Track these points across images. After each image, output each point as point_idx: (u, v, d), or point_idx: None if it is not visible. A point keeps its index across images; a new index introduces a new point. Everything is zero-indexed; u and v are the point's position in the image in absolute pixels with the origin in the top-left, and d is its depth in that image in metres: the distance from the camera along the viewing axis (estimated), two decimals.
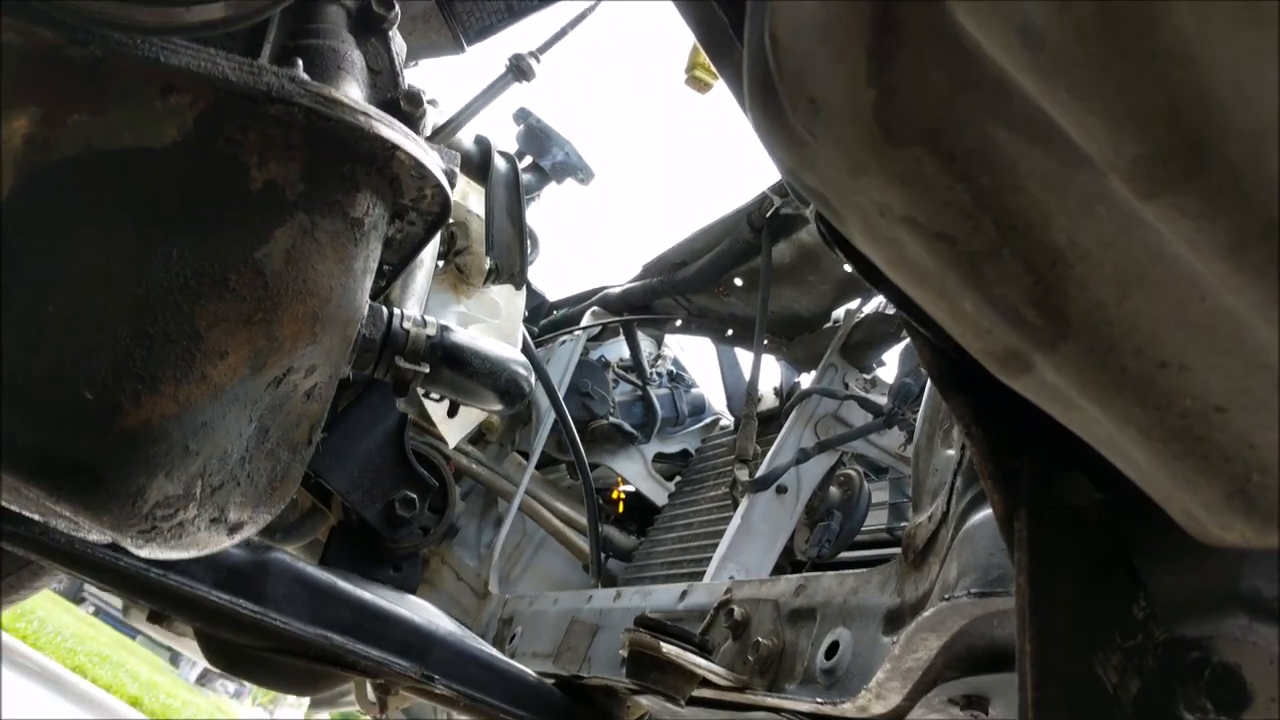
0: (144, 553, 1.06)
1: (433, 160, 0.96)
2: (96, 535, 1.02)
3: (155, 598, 1.54)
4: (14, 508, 1.03)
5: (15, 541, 1.46)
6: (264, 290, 0.88)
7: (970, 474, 1.00)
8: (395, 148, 0.92)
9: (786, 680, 1.29)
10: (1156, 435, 0.53)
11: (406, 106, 0.96)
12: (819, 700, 1.17)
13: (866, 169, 0.51)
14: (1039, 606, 0.69)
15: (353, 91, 0.94)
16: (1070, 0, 0.40)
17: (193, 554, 1.03)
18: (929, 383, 1.15)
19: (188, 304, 0.85)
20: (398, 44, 1.00)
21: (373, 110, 0.90)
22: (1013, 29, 0.41)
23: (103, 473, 0.85)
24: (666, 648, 1.32)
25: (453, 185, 1.00)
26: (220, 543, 1.03)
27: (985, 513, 0.96)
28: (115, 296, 0.83)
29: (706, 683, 1.35)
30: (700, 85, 2.00)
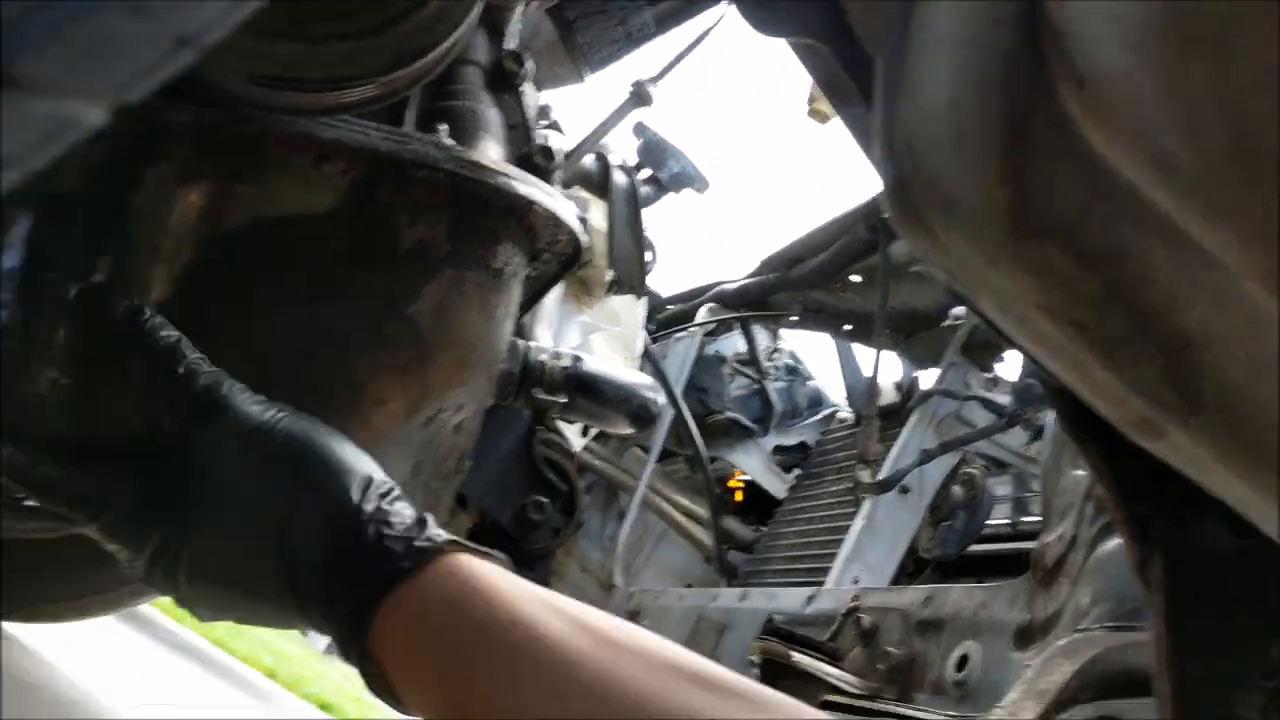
0: None
1: (567, 210, 1.01)
2: None
3: None
4: None
5: None
6: (417, 342, 0.94)
7: (1101, 500, 1.01)
8: (532, 202, 0.97)
9: (917, 690, 1.31)
10: None
11: (541, 160, 1.01)
12: (952, 713, 1.19)
13: (999, 262, 0.53)
14: (1177, 651, 0.71)
15: (492, 151, 1.00)
16: (1201, 125, 0.42)
17: None
18: None
19: (350, 359, 0.91)
20: (530, 97, 1.05)
21: (511, 169, 0.95)
22: (1145, 154, 0.43)
23: None
24: (797, 656, 1.36)
25: (585, 230, 1.05)
26: None
27: (1117, 540, 0.97)
28: (286, 356, 0.89)
29: (836, 690, 1.38)
30: (821, 117, 2.02)
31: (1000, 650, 1.18)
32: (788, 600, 1.75)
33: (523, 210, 0.98)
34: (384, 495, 0.74)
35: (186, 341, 0.80)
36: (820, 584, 1.98)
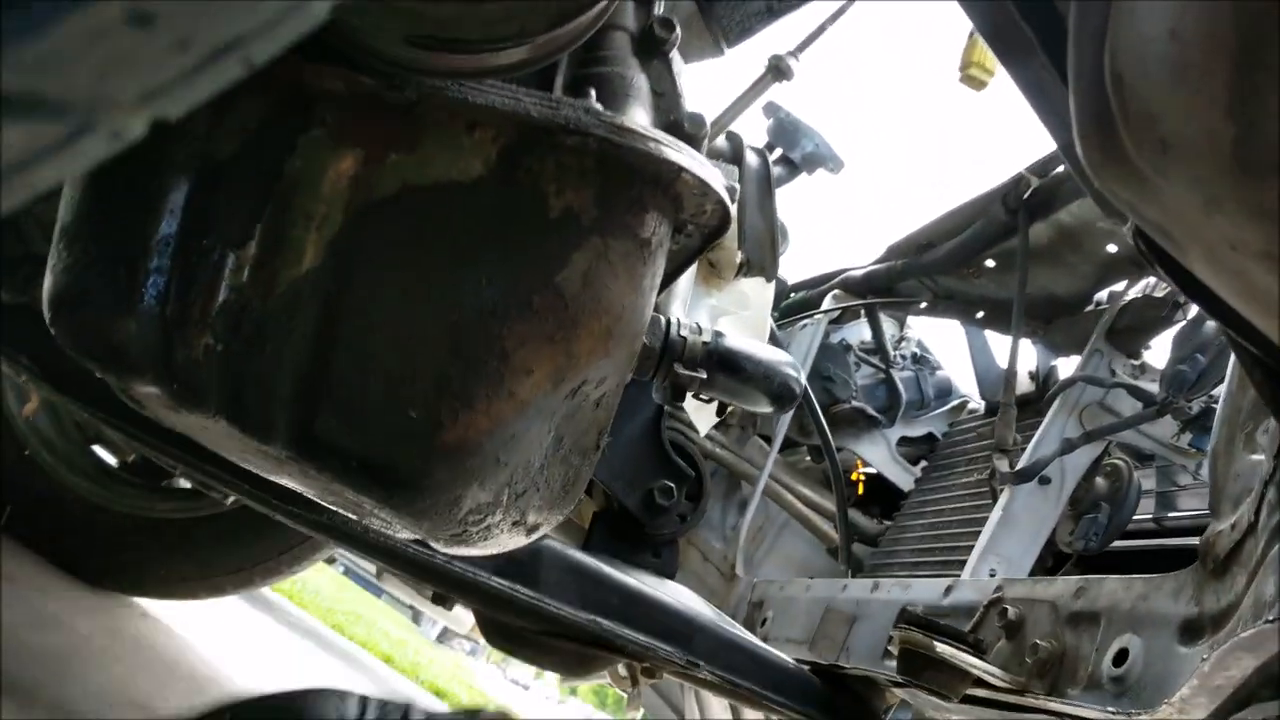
0: (450, 551, 1.14)
1: (716, 178, 0.98)
2: (407, 534, 1.11)
3: (441, 582, 1.65)
4: (334, 508, 1.13)
5: (316, 528, 1.60)
6: (564, 311, 0.93)
7: None
8: (681, 169, 0.94)
9: (1068, 685, 1.25)
10: None
11: (690, 128, 0.99)
12: (1111, 709, 1.14)
13: (1221, 205, 0.49)
14: None
15: (640, 117, 0.98)
16: None
17: (494, 552, 1.10)
18: (1227, 382, 1.10)
19: (497, 327, 0.90)
20: (679, 64, 1.03)
21: (661, 135, 0.93)
22: None
23: (426, 484, 0.91)
24: (941, 647, 1.31)
25: (733, 199, 1.02)
26: (519, 542, 1.09)
27: None
28: (434, 323, 0.89)
29: (981, 683, 1.33)
30: (976, 84, 1.95)
31: (1164, 645, 1.12)
32: (923, 591, 1.69)
33: (670, 178, 0.96)
34: None
35: None
36: (956, 576, 1.91)
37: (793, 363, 1.25)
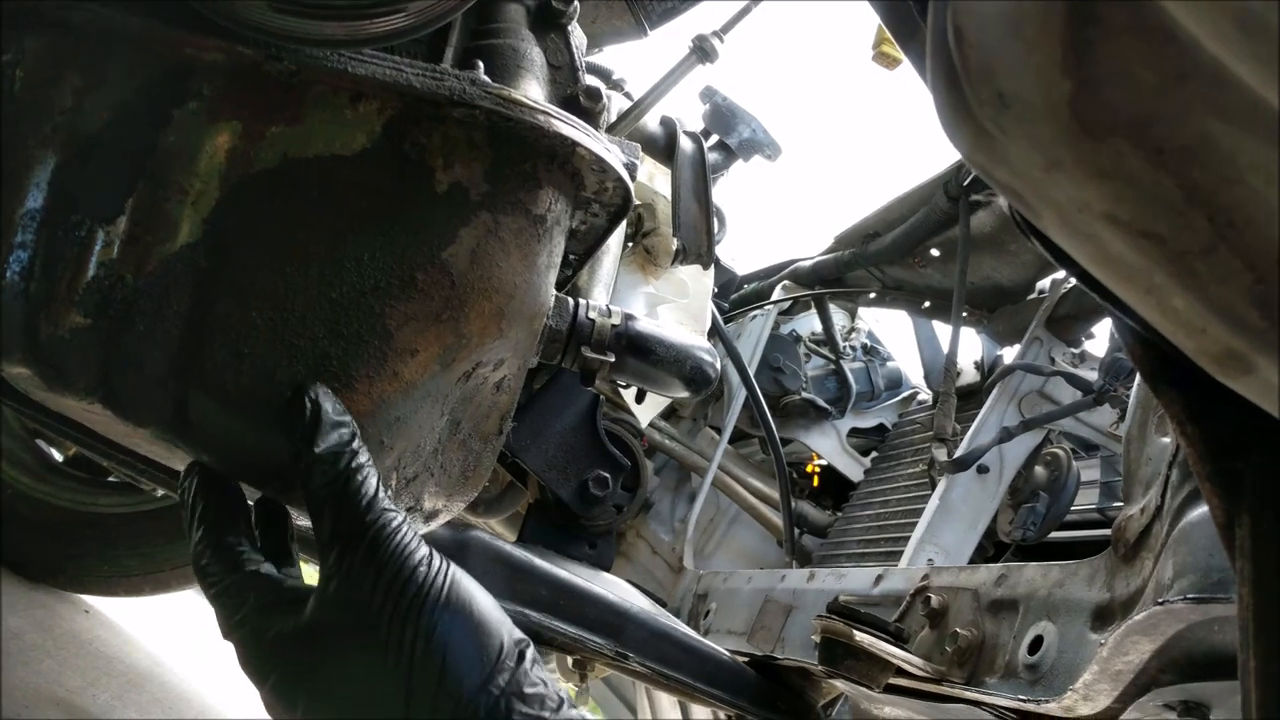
0: None
1: (613, 154, 0.95)
2: (305, 522, 1.08)
3: None
4: None
5: None
6: (451, 289, 0.90)
7: (1186, 466, 0.93)
8: (575, 144, 0.92)
9: (986, 673, 1.24)
10: None
11: (586, 102, 0.96)
12: (1022, 697, 1.12)
13: (1062, 165, 0.47)
14: (1264, 621, 0.64)
15: (533, 90, 0.95)
16: None
17: None
18: None
19: (379, 305, 0.87)
20: (577, 38, 1.00)
21: (552, 109, 0.90)
22: (1229, 15, 0.37)
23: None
24: (860, 635, 1.30)
25: (633, 176, 1.00)
26: (417, 529, 1.06)
27: (1203, 509, 0.89)
28: (313, 300, 0.86)
29: (902, 672, 1.31)
30: (888, 62, 1.94)
31: (1077, 631, 1.10)
32: (856, 581, 1.68)
33: (566, 153, 0.93)
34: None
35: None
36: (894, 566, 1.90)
37: (708, 348, 1.22)
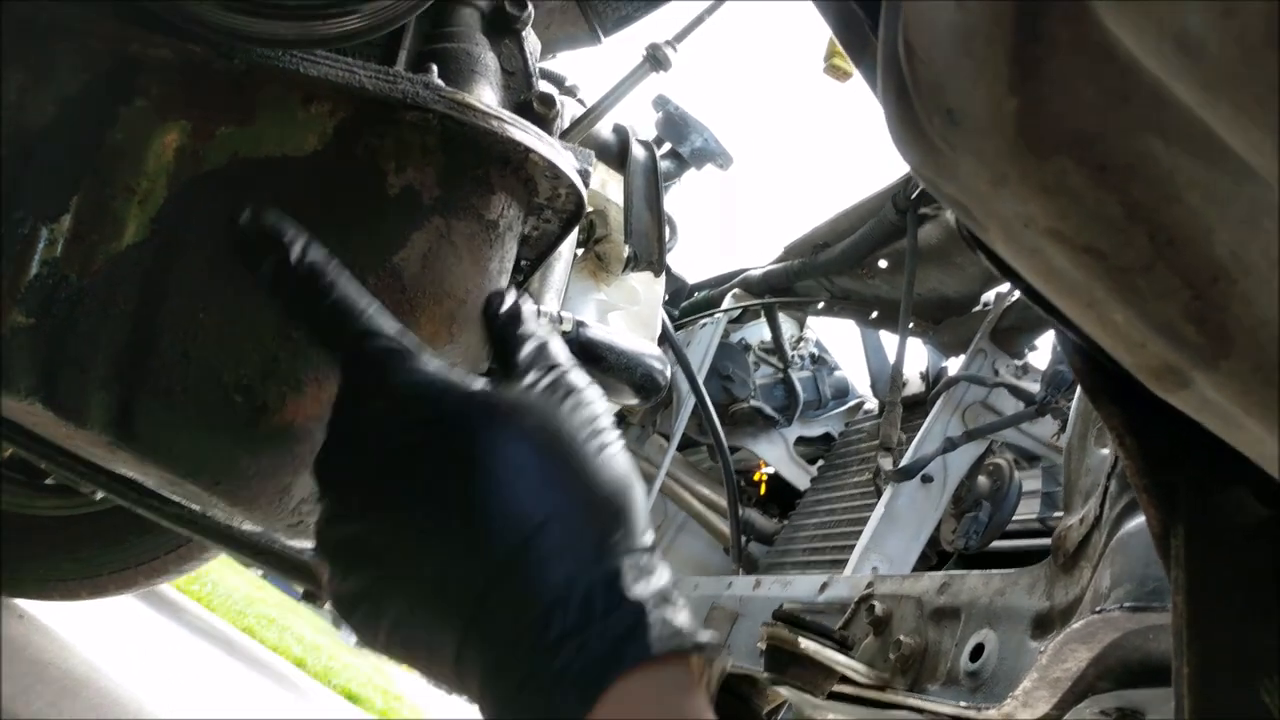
0: (295, 544, 1.10)
1: (566, 160, 0.96)
2: (249, 525, 1.07)
3: (309, 579, 1.61)
4: (178, 498, 1.08)
5: (179, 523, 1.54)
6: (402, 293, 0.89)
7: (1124, 478, 0.95)
8: (528, 150, 0.92)
9: (929, 680, 1.25)
10: None
11: (540, 108, 0.96)
12: (963, 704, 1.14)
13: (1008, 181, 0.48)
14: (1198, 629, 0.65)
15: (486, 95, 0.95)
16: (1234, 2, 0.37)
17: None
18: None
19: None
20: (531, 43, 1.00)
21: (505, 114, 0.90)
22: (1169, 36, 0.38)
23: (251, 472, 0.87)
24: (805, 643, 1.31)
25: (586, 183, 1.00)
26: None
27: (1140, 519, 0.91)
28: (262, 303, 0.85)
29: (846, 679, 1.33)
30: (839, 74, 1.96)
31: (1017, 639, 1.12)
32: (802, 588, 1.69)
33: (519, 159, 0.93)
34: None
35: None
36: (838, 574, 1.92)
37: (659, 355, 1.23)
